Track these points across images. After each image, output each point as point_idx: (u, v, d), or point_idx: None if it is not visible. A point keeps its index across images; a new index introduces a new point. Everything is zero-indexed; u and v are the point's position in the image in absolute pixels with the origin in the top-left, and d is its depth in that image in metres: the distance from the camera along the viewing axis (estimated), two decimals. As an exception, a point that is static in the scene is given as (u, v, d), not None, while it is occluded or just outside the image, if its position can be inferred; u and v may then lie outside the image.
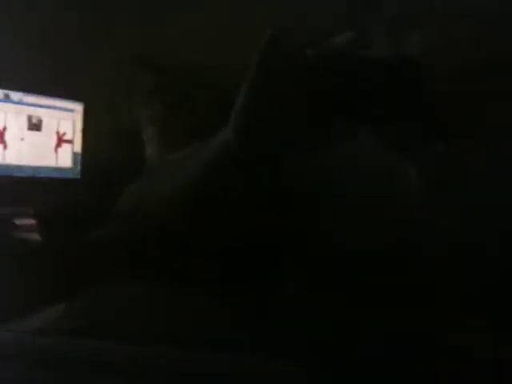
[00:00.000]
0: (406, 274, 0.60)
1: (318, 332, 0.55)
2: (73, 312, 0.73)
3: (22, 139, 2.16)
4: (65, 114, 2.29)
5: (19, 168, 2.16)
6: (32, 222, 1.83)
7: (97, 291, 0.75)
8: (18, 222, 1.82)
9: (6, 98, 2.14)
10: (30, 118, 2.17)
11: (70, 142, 2.30)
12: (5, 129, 2.13)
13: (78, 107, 2.32)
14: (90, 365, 0.50)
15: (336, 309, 0.58)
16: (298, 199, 0.66)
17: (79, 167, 2.33)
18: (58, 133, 2.26)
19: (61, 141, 2.27)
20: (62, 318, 0.69)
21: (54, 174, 2.26)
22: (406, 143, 0.61)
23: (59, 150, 2.27)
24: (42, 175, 2.21)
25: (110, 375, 0.49)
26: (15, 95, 2.15)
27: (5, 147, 2.13)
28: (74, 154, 2.32)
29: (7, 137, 2.13)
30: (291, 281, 0.64)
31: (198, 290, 0.64)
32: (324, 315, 0.58)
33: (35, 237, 1.75)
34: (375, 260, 0.61)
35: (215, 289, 0.63)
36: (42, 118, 2.21)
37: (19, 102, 2.16)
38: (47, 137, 2.23)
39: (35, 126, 2.19)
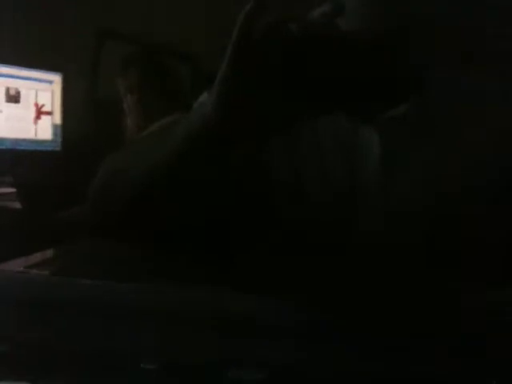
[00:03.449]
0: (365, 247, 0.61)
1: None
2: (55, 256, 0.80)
3: (0, 111, 2.13)
4: (43, 85, 2.25)
5: (-2, 140, 2.13)
6: (12, 190, 1.83)
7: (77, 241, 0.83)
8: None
9: (-17, 69, 2.11)
10: (7, 89, 2.14)
11: (50, 113, 2.28)
12: (-18, 101, 2.10)
13: (57, 78, 2.28)
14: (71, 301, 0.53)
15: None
16: (274, 172, 0.68)
17: (60, 139, 2.31)
18: (36, 104, 2.23)
19: (40, 112, 2.24)
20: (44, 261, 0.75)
21: (34, 146, 2.23)
22: (372, 112, 0.62)
23: (39, 122, 2.24)
24: (22, 147, 2.18)
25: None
26: (-8, 66, 2.11)
27: (-18, 119, 2.10)
28: (55, 126, 2.30)
29: (-15, 109, 2.11)
30: (267, 247, 0.66)
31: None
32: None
33: (16, 205, 1.76)
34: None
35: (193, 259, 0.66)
36: (20, 90, 2.18)
37: (-4, 74, 2.13)
38: (26, 109, 2.20)
39: (13, 97, 2.16)
